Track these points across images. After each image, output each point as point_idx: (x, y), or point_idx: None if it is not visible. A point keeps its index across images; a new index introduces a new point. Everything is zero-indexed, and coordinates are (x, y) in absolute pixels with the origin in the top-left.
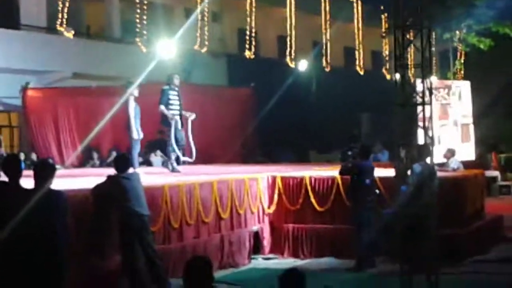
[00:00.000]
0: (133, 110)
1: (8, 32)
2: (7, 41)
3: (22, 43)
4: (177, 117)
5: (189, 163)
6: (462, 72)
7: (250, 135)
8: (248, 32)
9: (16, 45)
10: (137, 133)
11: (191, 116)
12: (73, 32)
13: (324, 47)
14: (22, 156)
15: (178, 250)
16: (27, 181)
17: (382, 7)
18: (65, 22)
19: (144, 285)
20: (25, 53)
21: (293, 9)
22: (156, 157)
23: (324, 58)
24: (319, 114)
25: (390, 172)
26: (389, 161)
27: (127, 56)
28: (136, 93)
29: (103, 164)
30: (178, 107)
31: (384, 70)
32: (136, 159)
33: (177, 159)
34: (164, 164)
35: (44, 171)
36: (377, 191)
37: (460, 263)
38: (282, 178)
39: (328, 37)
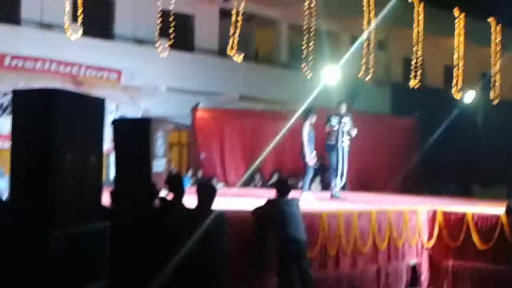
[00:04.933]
0: (307, 135)
1: (183, 54)
2: (182, 62)
3: (195, 65)
4: (337, 144)
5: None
6: None
7: (412, 165)
8: (414, 61)
9: (189, 67)
10: (311, 159)
11: (353, 133)
12: (242, 55)
13: (493, 78)
14: (189, 173)
15: (334, 277)
16: (190, 199)
17: None
18: (235, 46)
19: None
20: (197, 75)
21: (461, 39)
22: (315, 183)
23: (492, 90)
24: (485, 147)
25: None
26: None
27: (292, 81)
28: (313, 119)
29: (264, 185)
30: (337, 135)
31: None
32: (307, 184)
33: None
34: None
35: (207, 193)
36: None
37: None
38: (443, 213)
39: (497, 68)
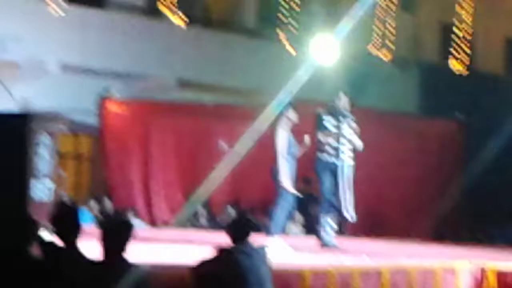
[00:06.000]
0: (286, 144)
1: (87, 13)
2: (85, 26)
3: (106, 30)
4: (335, 160)
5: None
6: None
7: (450, 196)
8: (457, 30)
9: (97, 33)
10: (288, 180)
11: (356, 146)
12: (184, 16)
13: None
14: (91, 203)
15: None
16: (90, 245)
17: None
18: (173, 0)
19: None
20: (109, 46)
21: None
22: (294, 223)
23: None
24: None
25: None
26: None
27: (263, 58)
28: (291, 116)
29: (212, 225)
30: (336, 146)
31: None
32: (280, 222)
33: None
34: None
35: (118, 235)
36: None
37: None
38: (497, 274)
39: None
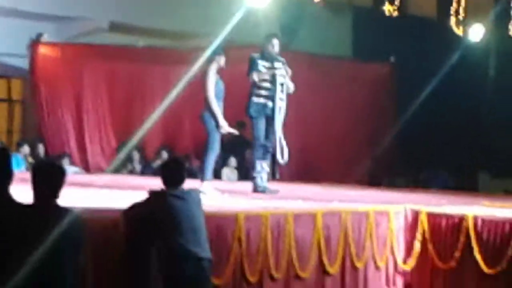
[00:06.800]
0: (213, 88)
1: None
2: None
3: None
4: (270, 104)
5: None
6: None
7: (385, 141)
8: None
9: None
10: (222, 122)
11: (288, 89)
12: None
13: None
14: (23, 148)
15: None
16: (22, 189)
17: None
18: None
19: None
20: None
21: None
22: (229, 168)
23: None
24: (499, 114)
25: None
26: None
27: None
28: (221, 61)
29: (146, 170)
30: (270, 88)
31: None
32: (211, 166)
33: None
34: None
35: (50, 179)
36: None
37: None
38: (430, 215)
39: None
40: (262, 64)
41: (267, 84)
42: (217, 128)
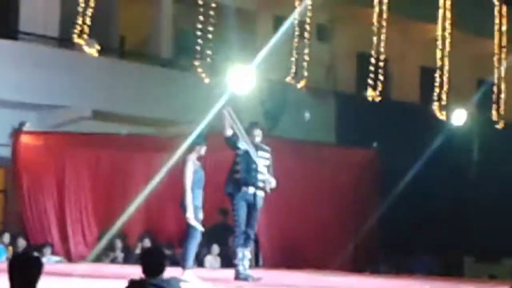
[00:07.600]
0: (192, 177)
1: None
2: None
3: (19, 59)
4: (251, 190)
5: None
6: None
7: (368, 227)
8: (373, 59)
9: (10, 62)
10: (192, 214)
11: (270, 184)
12: (98, 47)
13: (496, 89)
14: (4, 238)
15: None
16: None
17: None
18: (86, 31)
19: None
20: (20, 77)
21: (447, 27)
22: (212, 255)
23: (494, 107)
24: (483, 198)
25: None
26: None
27: (179, 88)
28: (202, 151)
29: (129, 258)
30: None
31: None
32: (193, 253)
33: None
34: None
35: (28, 271)
36: None
37: None
38: None
39: (502, 72)
40: (241, 142)
41: (243, 159)
42: (196, 217)
